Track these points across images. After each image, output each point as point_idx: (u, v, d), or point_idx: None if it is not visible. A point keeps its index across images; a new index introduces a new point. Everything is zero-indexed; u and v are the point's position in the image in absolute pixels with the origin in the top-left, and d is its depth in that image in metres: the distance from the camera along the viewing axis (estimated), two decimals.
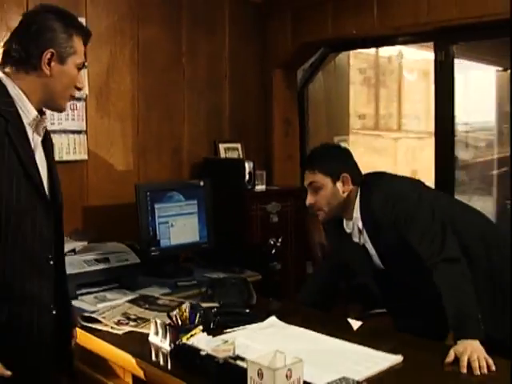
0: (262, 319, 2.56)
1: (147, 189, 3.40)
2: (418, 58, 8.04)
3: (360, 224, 2.64)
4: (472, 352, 2.10)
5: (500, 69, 6.09)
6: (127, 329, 2.51)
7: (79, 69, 1.99)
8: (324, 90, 4.92)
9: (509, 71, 5.90)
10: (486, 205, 6.01)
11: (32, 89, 1.91)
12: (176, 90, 3.95)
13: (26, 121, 1.90)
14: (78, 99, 3.44)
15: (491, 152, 6.74)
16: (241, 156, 4.27)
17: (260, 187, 4.01)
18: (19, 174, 1.83)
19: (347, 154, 2.77)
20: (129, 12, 3.69)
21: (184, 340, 2.15)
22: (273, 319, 2.57)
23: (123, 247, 3.27)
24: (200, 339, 2.17)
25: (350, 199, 2.65)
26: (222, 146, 4.20)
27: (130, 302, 2.85)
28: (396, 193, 2.58)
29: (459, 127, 4.60)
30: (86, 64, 2.24)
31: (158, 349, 2.30)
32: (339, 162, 2.69)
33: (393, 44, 4.61)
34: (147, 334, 2.40)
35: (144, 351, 2.30)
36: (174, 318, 2.23)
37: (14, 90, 1.89)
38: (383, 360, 2.14)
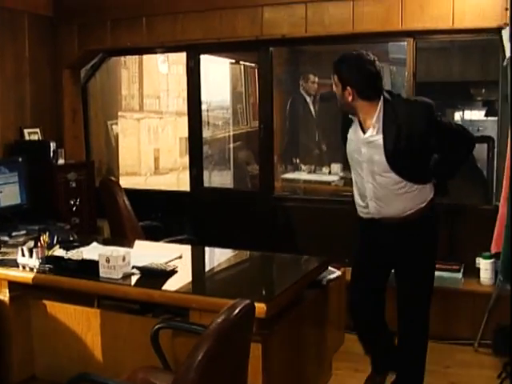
0: (88, 244, 3.85)
1: None
2: None
3: (379, 127, 3.28)
4: None
5: (233, 61, 7.77)
6: None
7: None
8: (100, 86, 6.23)
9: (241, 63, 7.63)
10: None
11: None
12: None
13: None
14: None
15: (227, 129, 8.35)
16: (40, 138, 5.43)
17: (60, 161, 5.24)
18: None
19: (366, 72, 3.28)
20: None
21: (50, 253, 3.42)
22: (95, 244, 3.87)
23: None
24: (60, 253, 3.46)
25: (356, 106, 3.32)
26: (26, 131, 5.34)
27: None
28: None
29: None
30: None
31: (25, 265, 3.51)
32: (351, 75, 3.28)
33: (156, 53, 6.06)
34: (14, 259, 3.60)
35: (15, 267, 3.52)
36: (41, 242, 3.46)
37: None
38: (171, 255, 3.58)
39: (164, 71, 10.57)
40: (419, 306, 3.50)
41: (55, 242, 3.54)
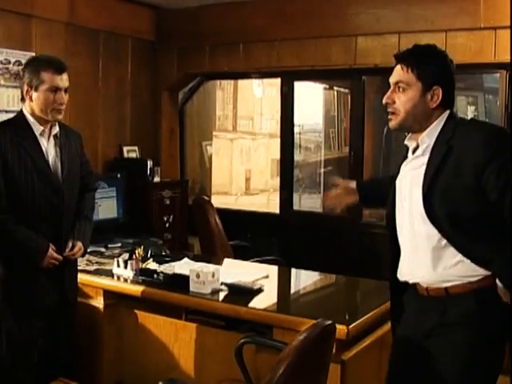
0: (179, 259, 4.04)
1: None
2: None
3: (429, 145, 2.38)
4: None
5: (326, 86, 7.95)
6: (95, 267, 3.91)
7: (53, 91, 3.04)
8: (196, 107, 6.48)
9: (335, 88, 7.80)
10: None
11: (31, 111, 3.10)
12: (94, 106, 5.31)
13: (37, 133, 3.12)
14: None
15: (319, 153, 8.50)
16: (138, 156, 5.70)
17: (156, 179, 5.49)
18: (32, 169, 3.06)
19: (453, 70, 2.43)
20: (64, 48, 4.99)
21: (144, 266, 3.62)
22: (186, 259, 4.05)
23: None
24: (153, 266, 3.65)
25: (431, 116, 2.40)
26: (125, 148, 5.62)
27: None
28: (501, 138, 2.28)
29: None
30: (60, 87, 3.09)
31: (120, 276, 3.72)
32: (445, 70, 2.41)
33: (251, 78, 6.28)
34: (109, 270, 3.81)
35: (110, 277, 3.73)
36: (136, 255, 3.66)
37: (26, 115, 3.12)
38: (258, 274, 3.72)
39: (259, 95, 10.93)
40: None
41: (149, 255, 3.74)
